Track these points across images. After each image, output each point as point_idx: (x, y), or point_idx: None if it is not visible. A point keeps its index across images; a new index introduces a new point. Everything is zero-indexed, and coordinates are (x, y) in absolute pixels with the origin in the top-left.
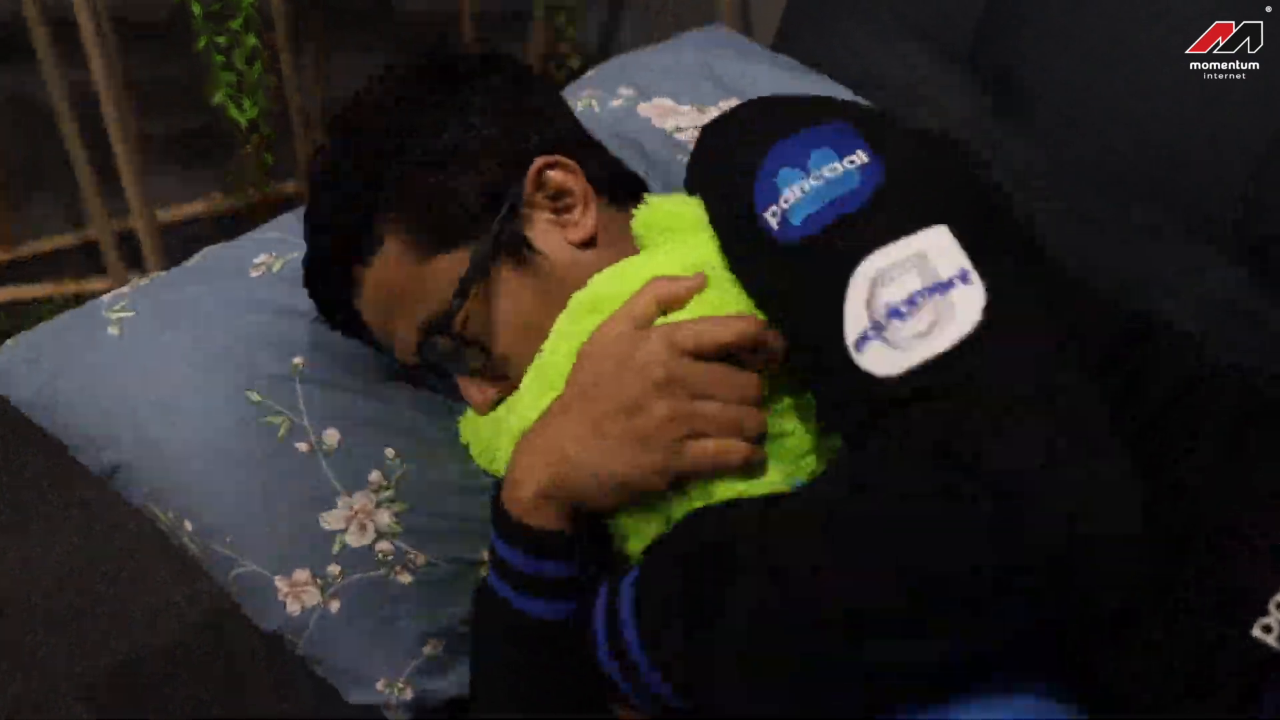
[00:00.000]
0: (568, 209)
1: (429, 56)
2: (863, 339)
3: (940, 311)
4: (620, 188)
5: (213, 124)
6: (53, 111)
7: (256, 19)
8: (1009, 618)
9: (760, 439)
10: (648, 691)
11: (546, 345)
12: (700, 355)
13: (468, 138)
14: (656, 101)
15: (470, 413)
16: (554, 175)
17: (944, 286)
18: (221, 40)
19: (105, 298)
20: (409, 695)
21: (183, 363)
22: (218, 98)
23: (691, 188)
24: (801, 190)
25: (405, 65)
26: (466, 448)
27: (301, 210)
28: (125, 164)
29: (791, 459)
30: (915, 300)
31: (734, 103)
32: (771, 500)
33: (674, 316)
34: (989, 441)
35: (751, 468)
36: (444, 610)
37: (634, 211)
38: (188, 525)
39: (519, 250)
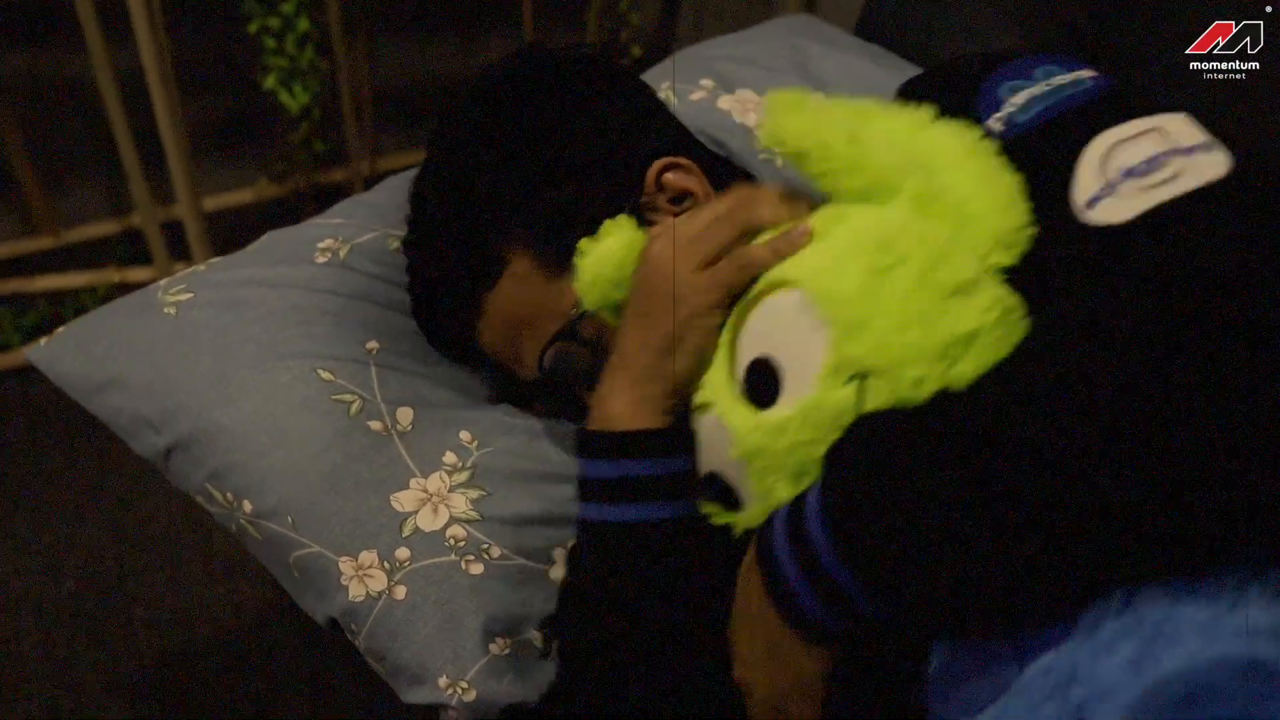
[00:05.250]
0: (689, 210)
1: (524, 64)
2: (1093, 201)
3: (1182, 167)
4: (732, 180)
5: (261, 110)
6: (96, 94)
7: (309, 1)
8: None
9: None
10: (840, 601)
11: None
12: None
13: (584, 148)
14: (739, 94)
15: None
16: (672, 178)
17: (1187, 150)
18: (273, 23)
19: (161, 282)
20: (472, 697)
21: (247, 340)
22: (268, 82)
23: None
24: (1029, 95)
25: (501, 75)
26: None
27: (360, 196)
28: (173, 150)
29: None
30: (1153, 161)
31: (820, 97)
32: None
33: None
34: (1237, 270)
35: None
36: (514, 609)
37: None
38: (247, 506)
39: None
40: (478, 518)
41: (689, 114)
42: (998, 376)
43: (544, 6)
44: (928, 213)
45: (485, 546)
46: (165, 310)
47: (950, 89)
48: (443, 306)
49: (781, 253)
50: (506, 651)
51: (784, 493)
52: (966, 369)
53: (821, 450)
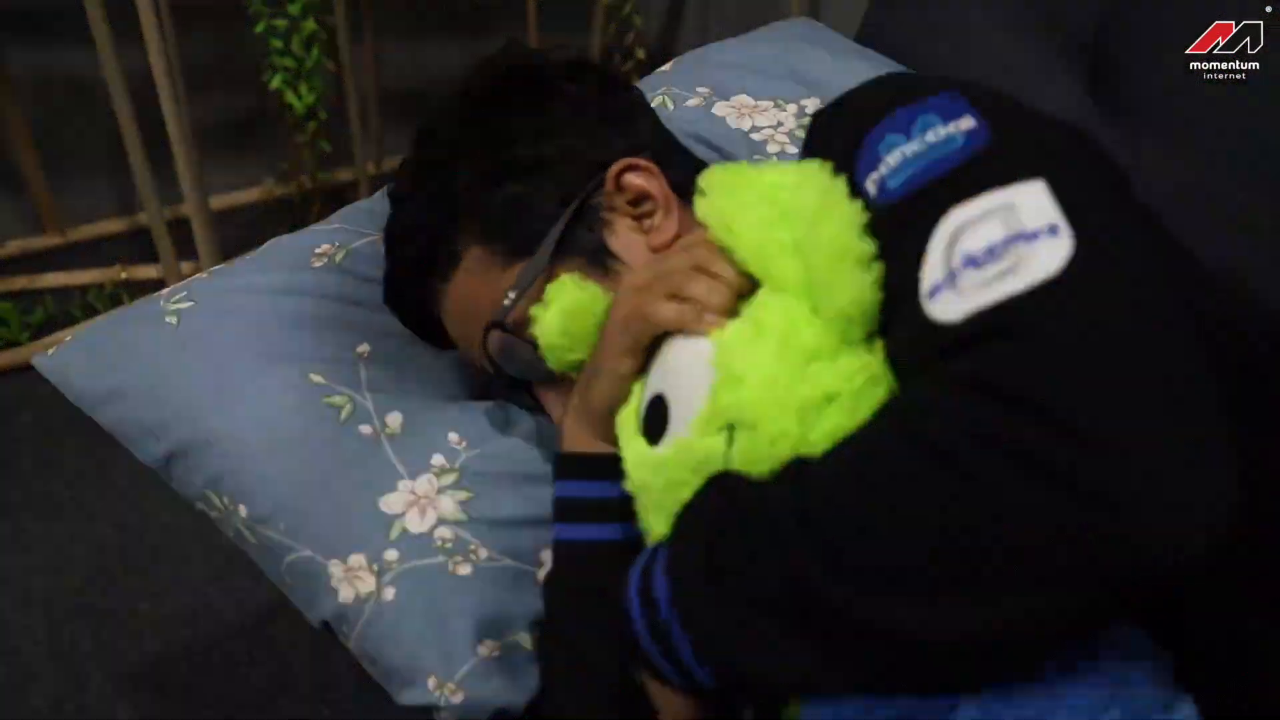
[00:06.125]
0: (648, 214)
1: (513, 62)
2: (935, 289)
3: (1020, 259)
4: None
5: (267, 110)
6: (104, 94)
7: (315, 2)
8: (1066, 584)
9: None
10: (677, 662)
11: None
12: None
13: (550, 147)
14: (735, 100)
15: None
16: (632, 179)
17: (1028, 237)
18: (280, 25)
19: (164, 291)
20: (460, 698)
21: (243, 348)
22: (274, 83)
23: None
24: (902, 155)
25: (490, 71)
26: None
27: (362, 202)
28: (180, 149)
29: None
30: (994, 250)
31: (816, 101)
32: (804, 460)
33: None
34: (1047, 386)
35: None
36: (503, 610)
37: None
38: (243, 511)
39: (598, 256)
40: (465, 519)
41: (684, 120)
42: (827, 457)
43: (548, 9)
44: (779, 289)
45: (473, 548)
46: (167, 320)
47: (845, 131)
48: (408, 298)
49: (688, 323)
50: (495, 654)
51: (661, 530)
52: (823, 432)
53: (690, 493)
